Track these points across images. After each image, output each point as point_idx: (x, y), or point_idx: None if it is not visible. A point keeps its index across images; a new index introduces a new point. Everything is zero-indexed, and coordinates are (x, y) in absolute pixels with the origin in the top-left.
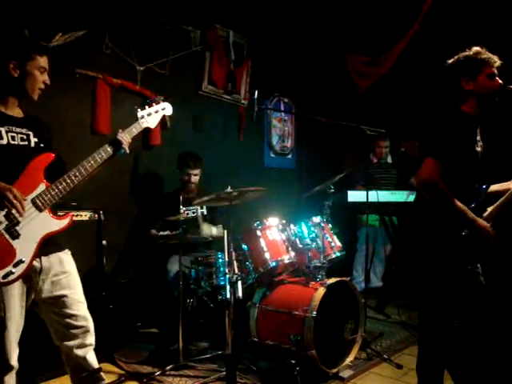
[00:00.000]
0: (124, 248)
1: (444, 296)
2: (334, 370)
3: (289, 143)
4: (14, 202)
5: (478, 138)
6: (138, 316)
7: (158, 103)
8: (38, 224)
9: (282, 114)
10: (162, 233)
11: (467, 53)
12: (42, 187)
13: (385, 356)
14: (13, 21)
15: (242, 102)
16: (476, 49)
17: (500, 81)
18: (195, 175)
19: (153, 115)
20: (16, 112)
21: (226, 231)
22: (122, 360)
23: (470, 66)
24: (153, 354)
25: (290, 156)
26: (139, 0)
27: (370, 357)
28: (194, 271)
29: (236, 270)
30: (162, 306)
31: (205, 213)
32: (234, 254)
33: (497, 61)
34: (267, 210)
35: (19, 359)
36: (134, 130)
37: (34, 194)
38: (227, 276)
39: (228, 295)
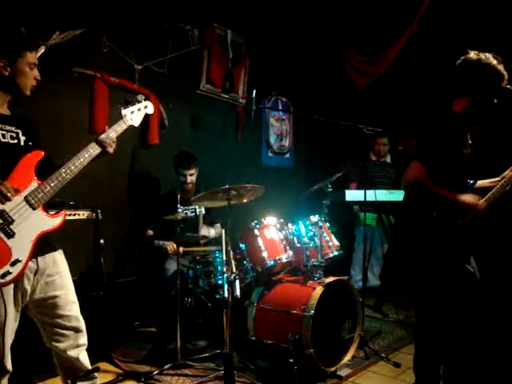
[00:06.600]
0: (122, 247)
1: (440, 293)
2: (332, 369)
3: (287, 142)
4: (8, 194)
5: (468, 137)
6: (136, 315)
7: (140, 102)
8: (32, 223)
9: (280, 112)
10: (156, 242)
11: (491, 60)
12: (33, 185)
13: (382, 354)
14: (10, 19)
15: (240, 100)
16: (496, 59)
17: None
18: (191, 175)
19: (136, 113)
20: (4, 110)
21: (224, 230)
22: (119, 359)
23: (493, 76)
24: (151, 353)
25: (287, 155)
26: None
27: (367, 355)
28: (192, 270)
29: (234, 269)
30: (159, 304)
31: (203, 212)
32: (231, 252)
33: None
34: (265, 209)
35: (16, 359)
36: (119, 128)
37: (26, 192)
38: (225, 275)
39: (226, 294)
